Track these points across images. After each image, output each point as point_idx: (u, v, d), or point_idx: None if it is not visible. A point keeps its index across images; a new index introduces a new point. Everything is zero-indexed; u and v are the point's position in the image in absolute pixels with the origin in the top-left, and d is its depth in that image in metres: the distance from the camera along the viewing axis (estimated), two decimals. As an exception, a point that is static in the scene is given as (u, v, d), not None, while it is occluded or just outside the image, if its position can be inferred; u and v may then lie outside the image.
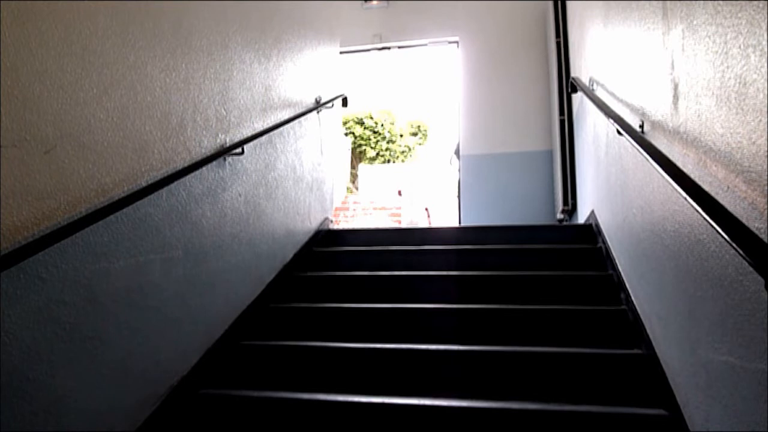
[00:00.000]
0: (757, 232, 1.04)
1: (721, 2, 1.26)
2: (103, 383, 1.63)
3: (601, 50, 3.00)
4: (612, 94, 2.62)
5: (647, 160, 1.75)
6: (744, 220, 1.09)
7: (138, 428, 1.76)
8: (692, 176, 1.41)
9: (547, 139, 5.04)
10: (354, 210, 9.77)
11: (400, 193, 10.31)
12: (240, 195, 2.59)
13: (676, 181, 1.44)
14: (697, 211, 1.27)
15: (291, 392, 2.01)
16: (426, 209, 10.09)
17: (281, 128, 3.09)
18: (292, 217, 3.34)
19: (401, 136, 13.49)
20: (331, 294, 2.93)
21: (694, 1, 1.46)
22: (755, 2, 1.06)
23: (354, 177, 12.50)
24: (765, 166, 1.05)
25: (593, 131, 3.31)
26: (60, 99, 1.51)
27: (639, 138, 1.90)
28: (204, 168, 2.22)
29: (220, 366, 2.23)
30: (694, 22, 1.46)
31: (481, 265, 3.05)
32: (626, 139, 2.12)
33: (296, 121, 3.37)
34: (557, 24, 4.61)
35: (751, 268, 1.01)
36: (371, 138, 13.16)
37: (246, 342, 2.40)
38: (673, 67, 1.68)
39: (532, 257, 3.05)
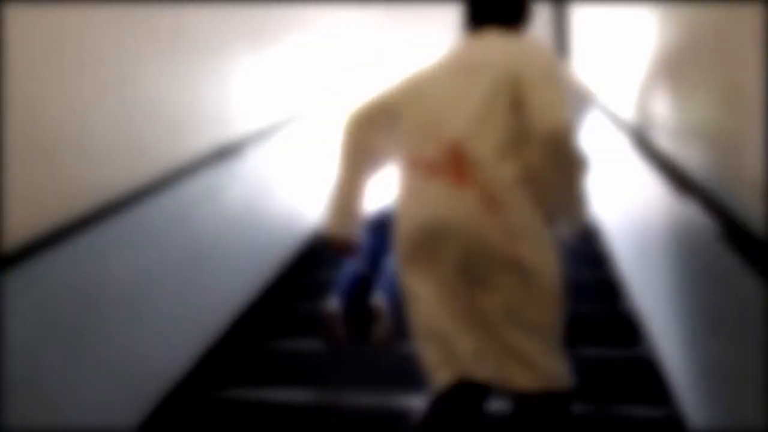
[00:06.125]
0: (756, 232, 1.04)
1: (720, 2, 1.26)
2: (104, 381, 1.63)
3: (601, 50, 3.00)
4: (611, 93, 2.61)
5: (647, 159, 1.76)
6: (744, 220, 1.10)
7: (139, 423, 1.77)
8: (692, 175, 1.41)
9: (546, 139, 5.04)
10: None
11: None
12: (239, 195, 2.59)
13: (675, 181, 1.45)
14: (697, 210, 1.28)
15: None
16: None
17: (281, 128, 3.09)
18: (293, 216, 3.33)
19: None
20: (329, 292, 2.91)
21: (694, 1, 1.46)
22: (755, 2, 1.06)
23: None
24: (764, 166, 1.05)
25: (592, 130, 3.30)
26: (59, 100, 1.51)
27: (638, 137, 1.90)
28: (203, 169, 2.22)
29: (215, 364, 2.23)
30: (694, 22, 1.47)
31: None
32: (625, 139, 2.12)
33: (296, 121, 3.37)
34: (557, 24, 4.62)
35: (751, 268, 1.01)
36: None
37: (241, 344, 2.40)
38: (672, 67, 1.68)
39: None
